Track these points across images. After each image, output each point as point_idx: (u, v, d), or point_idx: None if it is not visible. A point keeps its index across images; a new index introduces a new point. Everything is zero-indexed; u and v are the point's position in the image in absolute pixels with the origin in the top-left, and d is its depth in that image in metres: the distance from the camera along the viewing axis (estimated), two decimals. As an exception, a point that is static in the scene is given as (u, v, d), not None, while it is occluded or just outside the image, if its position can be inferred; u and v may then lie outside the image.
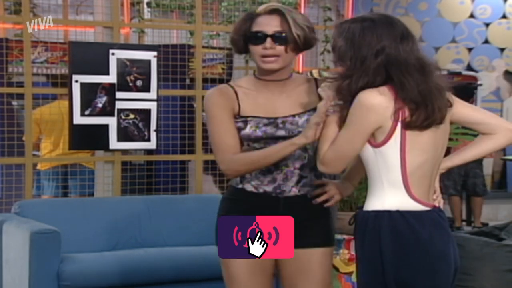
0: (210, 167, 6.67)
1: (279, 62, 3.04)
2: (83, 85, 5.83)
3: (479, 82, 10.50)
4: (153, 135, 6.06)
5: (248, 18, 3.08)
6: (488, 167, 10.33)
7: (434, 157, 2.75)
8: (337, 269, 5.01)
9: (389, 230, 2.67)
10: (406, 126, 2.66)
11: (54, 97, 6.67)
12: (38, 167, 6.61)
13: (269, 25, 3.01)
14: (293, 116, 3.05)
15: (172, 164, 6.63)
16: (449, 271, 2.74)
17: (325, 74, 8.33)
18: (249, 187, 3.08)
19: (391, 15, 2.83)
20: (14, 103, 6.76)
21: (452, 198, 9.36)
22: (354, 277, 4.85)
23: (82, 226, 5.38)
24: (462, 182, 9.31)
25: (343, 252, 5.07)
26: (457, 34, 11.96)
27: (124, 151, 6.19)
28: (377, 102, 2.64)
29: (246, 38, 3.05)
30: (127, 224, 5.46)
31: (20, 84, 6.15)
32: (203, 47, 7.35)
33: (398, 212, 2.68)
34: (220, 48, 8.86)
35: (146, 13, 8.98)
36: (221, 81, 7.72)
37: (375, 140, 2.69)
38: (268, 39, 2.99)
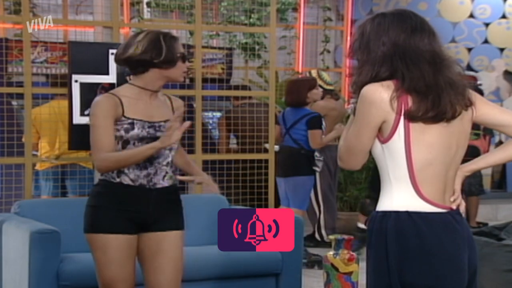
0: (210, 167, 6.67)
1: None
2: (83, 85, 5.82)
3: (478, 82, 10.51)
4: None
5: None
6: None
7: (448, 156, 2.69)
8: (336, 269, 5.02)
9: (395, 231, 2.64)
10: (409, 117, 2.61)
11: (53, 97, 6.67)
12: (37, 167, 6.61)
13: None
14: (164, 121, 3.65)
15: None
16: (460, 276, 2.68)
17: (324, 74, 8.35)
18: (126, 180, 3.61)
19: (410, 10, 2.82)
20: (14, 103, 6.77)
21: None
22: (353, 277, 4.86)
23: (82, 226, 5.37)
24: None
25: (342, 252, 5.07)
26: (457, 34, 11.97)
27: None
28: (379, 96, 2.63)
29: (177, 57, 3.67)
30: (126, 224, 5.46)
31: (20, 84, 6.15)
32: (203, 47, 7.36)
33: (406, 212, 2.64)
34: (219, 48, 8.88)
35: (146, 13, 8.99)
36: (221, 80, 7.74)
37: (382, 135, 2.67)
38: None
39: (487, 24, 12.03)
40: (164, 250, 3.66)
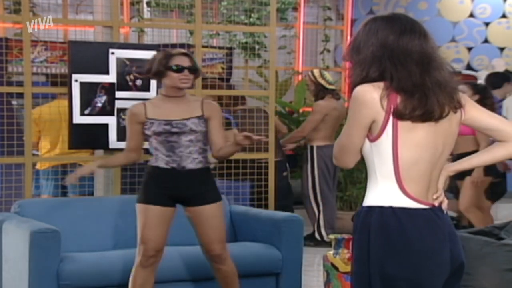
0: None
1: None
2: (83, 85, 5.83)
3: (478, 82, 10.50)
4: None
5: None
6: (487, 167, 10.35)
7: (434, 156, 2.75)
8: (336, 269, 5.02)
9: (378, 225, 2.71)
10: (397, 115, 2.67)
11: (54, 97, 6.66)
12: (37, 166, 6.61)
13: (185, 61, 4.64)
14: (182, 119, 4.62)
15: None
16: (440, 270, 2.75)
17: (325, 73, 8.35)
18: (161, 164, 4.63)
19: (402, 13, 2.88)
20: (14, 102, 6.77)
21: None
22: (354, 277, 4.85)
23: (82, 225, 5.38)
24: None
25: (342, 251, 5.07)
26: (457, 34, 11.98)
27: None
28: (370, 96, 2.68)
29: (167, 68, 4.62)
30: (126, 224, 5.46)
31: (20, 84, 6.15)
32: (203, 46, 7.35)
33: (390, 208, 2.70)
34: (219, 48, 8.88)
35: (146, 12, 9.00)
36: (221, 80, 7.73)
37: (372, 134, 2.73)
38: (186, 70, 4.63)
39: (487, 24, 12.04)
40: (205, 219, 4.65)
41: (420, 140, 2.70)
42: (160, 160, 4.64)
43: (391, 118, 2.68)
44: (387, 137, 2.69)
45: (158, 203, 4.62)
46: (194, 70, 4.64)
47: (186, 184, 4.63)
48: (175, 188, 4.63)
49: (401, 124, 2.68)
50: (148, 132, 4.63)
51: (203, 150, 4.67)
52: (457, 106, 2.77)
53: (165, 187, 4.62)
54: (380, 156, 2.73)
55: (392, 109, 2.67)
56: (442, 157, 2.79)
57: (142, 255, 4.63)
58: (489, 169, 7.10)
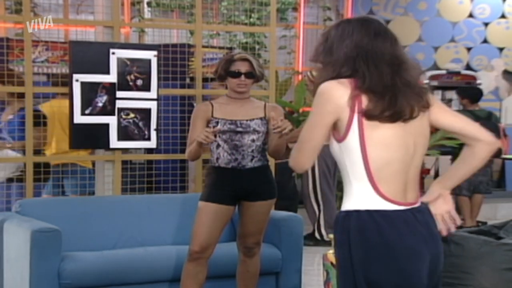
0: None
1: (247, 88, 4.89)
2: (84, 84, 5.84)
3: (478, 82, 10.52)
4: (153, 134, 6.08)
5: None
6: (487, 166, 10.38)
7: (406, 155, 2.74)
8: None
9: (357, 230, 2.69)
10: (366, 116, 2.67)
11: (54, 96, 6.68)
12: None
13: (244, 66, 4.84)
14: (246, 120, 4.83)
15: (172, 163, 6.65)
16: (421, 270, 2.75)
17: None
18: (222, 164, 4.80)
19: (373, 17, 2.93)
20: (15, 102, 6.77)
21: (462, 198, 9.36)
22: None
23: (83, 225, 5.39)
24: (472, 181, 9.32)
25: (342, 250, 5.08)
26: (456, 34, 11.99)
27: (125, 150, 6.20)
28: (335, 92, 2.69)
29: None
30: (127, 223, 5.48)
31: (21, 83, 6.16)
32: (203, 46, 7.36)
33: (367, 211, 2.69)
34: (220, 48, 8.89)
35: (147, 12, 9.00)
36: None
37: (339, 133, 2.72)
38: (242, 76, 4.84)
39: (486, 24, 12.06)
40: (252, 212, 4.85)
41: (389, 139, 2.70)
42: (221, 159, 4.82)
43: (356, 116, 2.67)
44: (354, 136, 2.69)
45: (217, 201, 4.76)
46: (251, 75, 4.83)
47: (246, 181, 4.81)
48: (235, 186, 4.79)
49: (367, 123, 2.68)
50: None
51: (262, 149, 4.89)
52: (426, 105, 2.79)
53: (226, 185, 4.78)
54: (350, 157, 2.72)
55: (358, 108, 2.67)
56: (416, 157, 2.78)
57: (189, 249, 4.78)
58: None
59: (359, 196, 2.72)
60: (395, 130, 2.70)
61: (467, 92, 9.60)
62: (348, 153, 2.72)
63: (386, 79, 2.70)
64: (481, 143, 2.85)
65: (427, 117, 2.82)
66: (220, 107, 4.86)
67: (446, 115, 2.88)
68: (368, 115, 2.67)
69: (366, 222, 2.68)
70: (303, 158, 2.78)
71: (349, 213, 2.73)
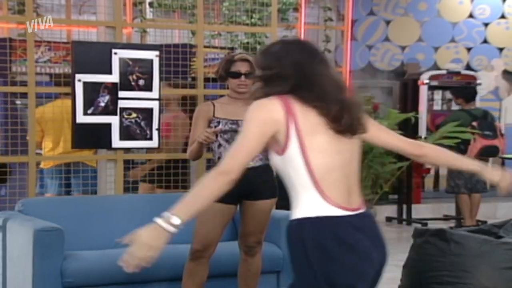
0: (212, 165, 6.69)
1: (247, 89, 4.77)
2: (86, 84, 5.87)
3: (478, 82, 10.54)
4: (155, 134, 6.11)
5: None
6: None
7: (343, 160, 2.83)
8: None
9: (312, 238, 2.75)
10: (306, 126, 2.78)
11: (57, 96, 6.70)
12: (41, 165, 6.64)
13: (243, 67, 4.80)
14: None
15: (174, 162, 6.68)
16: (371, 272, 2.85)
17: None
18: None
19: (310, 42, 3.13)
20: (18, 102, 6.80)
21: (462, 196, 9.40)
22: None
23: (85, 224, 5.41)
24: (470, 180, 9.36)
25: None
26: (456, 34, 12.01)
27: (127, 150, 6.23)
28: (271, 106, 2.78)
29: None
30: (129, 222, 5.48)
31: (24, 83, 6.19)
32: (205, 46, 7.39)
33: (318, 218, 2.75)
34: (221, 48, 8.89)
35: (148, 13, 9.01)
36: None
37: (279, 146, 2.79)
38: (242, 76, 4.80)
39: (486, 24, 12.07)
40: (253, 211, 4.87)
41: (326, 145, 2.79)
42: (222, 158, 4.77)
43: (293, 127, 2.75)
44: (294, 145, 2.76)
45: (219, 200, 4.65)
46: (251, 75, 4.78)
47: (247, 180, 4.65)
48: (236, 185, 4.68)
49: (304, 131, 2.76)
50: (214, 130, 4.82)
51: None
52: (361, 122, 2.90)
53: None
54: (293, 167, 2.78)
55: (295, 121, 2.76)
56: (352, 163, 2.88)
57: (190, 248, 4.82)
58: None
59: (308, 204, 2.77)
60: (330, 137, 2.81)
61: (461, 92, 9.65)
62: (291, 163, 2.78)
63: (330, 97, 2.81)
64: (425, 149, 3.14)
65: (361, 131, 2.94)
66: (222, 107, 4.88)
67: (381, 132, 3.11)
68: (311, 126, 2.77)
69: (320, 228, 2.75)
70: (234, 167, 2.77)
71: (301, 221, 2.78)
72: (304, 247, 2.75)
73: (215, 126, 4.79)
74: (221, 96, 7.78)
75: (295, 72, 2.83)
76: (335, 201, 2.77)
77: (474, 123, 9.16)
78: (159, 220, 2.75)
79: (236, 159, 2.77)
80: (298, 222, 2.79)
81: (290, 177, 2.81)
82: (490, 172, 3.26)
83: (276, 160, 2.84)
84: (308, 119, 2.78)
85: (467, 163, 3.28)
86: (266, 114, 2.78)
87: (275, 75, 2.85)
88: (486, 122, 9.29)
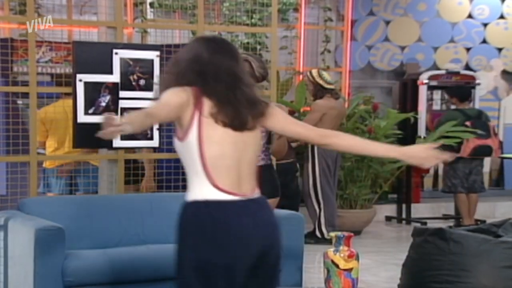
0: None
1: None
2: (87, 84, 5.88)
3: (477, 82, 10.56)
4: (156, 134, 6.12)
5: None
6: (486, 165, 10.42)
7: (237, 151, 3.11)
8: (337, 266, 5.07)
9: (192, 218, 3.07)
10: (207, 117, 3.05)
11: (59, 96, 6.72)
12: (45, 165, 6.65)
13: None
14: None
15: (175, 162, 6.69)
16: (247, 254, 3.09)
17: (324, 73, 8.42)
18: None
19: (221, 37, 3.48)
20: (19, 102, 6.82)
21: (459, 195, 9.43)
22: (353, 274, 4.91)
23: (86, 223, 5.41)
24: (466, 179, 9.39)
25: (343, 248, 5.13)
26: (456, 34, 12.03)
27: (128, 149, 6.24)
28: (179, 92, 3.05)
29: None
30: (130, 221, 5.50)
31: (25, 83, 6.20)
32: (205, 47, 7.38)
33: (204, 201, 3.06)
34: (221, 48, 8.91)
35: (149, 13, 9.03)
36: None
37: (181, 132, 3.08)
38: None
39: (485, 25, 12.09)
40: None
41: (221, 137, 3.07)
42: None
43: (196, 117, 3.05)
44: (193, 135, 3.05)
45: None
46: (250, 76, 4.84)
47: None
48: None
49: (205, 123, 3.05)
50: None
51: (266, 148, 4.97)
52: (261, 116, 3.17)
53: None
54: (190, 155, 3.07)
55: (199, 110, 3.05)
56: (248, 153, 3.16)
57: None
58: None
59: (198, 189, 3.08)
60: (224, 129, 3.09)
61: (455, 91, 9.70)
62: (188, 151, 3.07)
63: (224, 91, 3.09)
64: (331, 138, 3.32)
65: (260, 123, 3.20)
66: None
67: (288, 123, 3.31)
68: (208, 116, 3.05)
69: (201, 211, 3.05)
70: (133, 120, 2.99)
71: (188, 203, 3.10)
72: (186, 227, 3.08)
73: None
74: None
75: (193, 67, 3.12)
76: (223, 187, 3.06)
77: (468, 123, 9.20)
78: None
79: (156, 108, 3.03)
80: (186, 204, 3.10)
81: (187, 163, 3.10)
82: (408, 152, 3.31)
83: (176, 145, 3.12)
84: (209, 111, 3.06)
85: (382, 149, 3.40)
86: (181, 92, 3.05)
87: (178, 70, 3.14)
88: (480, 122, 9.31)
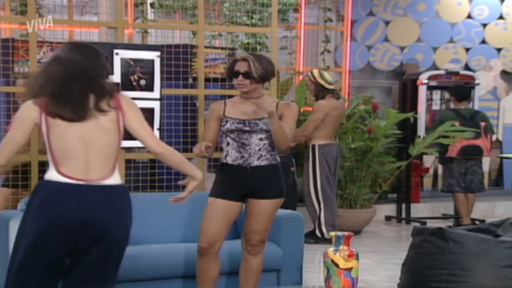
0: (213, 165, 6.75)
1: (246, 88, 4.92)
2: (88, 85, 5.89)
3: (476, 82, 10.58)
4: (156, 134, 6.14)
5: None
6: (485, 165, 10.44)
7: (82, 144, 3.59)
8: (337, 265, 5.08)
9: (33, 194, 3.65)
10: (49, 115, 3.55)
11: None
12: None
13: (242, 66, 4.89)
14: (255, 119, 4.91)
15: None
16: (62, 230, 3.54)
17: (325, 73, 8.44)
18: (229, 161, 4.93)
19: (82, 42, 4.21)
20: (20, 102, 6.82)
21: (457, 195, 9.45)
22: (353, 273, 4.93)
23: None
24: (463, 179, 9.40)
25: (342, 248, 5.14)
26: (455, 35, 12.05)
27: (128, 149, 6.26)
28: (27, 106, 3.62)
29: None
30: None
31: (26, 84, 6.21)
32: (206, 47, 7.43)
33: (48, 181, 3.59)
34: (222, 48, 8.93)
35: (150, 13, 9.04)
36: (223, 80, 7.84)
37: (41, 130, 3.60)
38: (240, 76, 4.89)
39: (484, 25, 12.11)
40: (257, 210, 4.92)
41: (65, 132, 3.57)
42: (229, 156, 4.94)
43: (43, 118, 3.57)
44: (44, 134, 3.59)
45: (225, 197, 4.89)
46: (248, 75, 4.86)
47: (251, 179, 4.89)
48: (241, 183, 4.90)
49: (52, 123, 3.56)
50: (222, 129, 4.95)
51: (272, 148, 4.95)
52: (106, 109, 3.62)
53: (233, 181, 4.90)
54: (46, 147, 3.60)
55: (45, 113, 3.55)
56: (94, 145, 3.62)
57: (198, 245, 4.92)
58: None
59: (49, 173, 3.61)
60: (72, 126, 3.57)
61: (454, 90, 9.72)
62: (45, 143, 3.61)
63: (58, 87, 3.57)
64: (163, 150, 3.80)
65: (113, 117, 3.64)
66: (232, 106, 4.99)
67: (136, 126, 3.73)
68: (51, 115, 3.55)
69: (41, 188, 3.61)
70: (2, 156, 3.62)
71: (39, 183, 3.68)
72: (32, 198, 3.63)
73: (224, 126, 4.92)
74: (221, 96, 7.91)
75: (40, 77, 3.63)
76: (66, 172, 3.57)
77: (456, 123, 9.21)
78: None
79: (3, 150, 3.62)
80: (38, 183, 3.71)
81: (47, 152, 3.62)
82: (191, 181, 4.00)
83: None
84: (49, 109, 3.55)
85: (190, 170, 3.95)
86: (23, 114, 3.62)
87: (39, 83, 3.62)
88: (471, 122, 9.32)
